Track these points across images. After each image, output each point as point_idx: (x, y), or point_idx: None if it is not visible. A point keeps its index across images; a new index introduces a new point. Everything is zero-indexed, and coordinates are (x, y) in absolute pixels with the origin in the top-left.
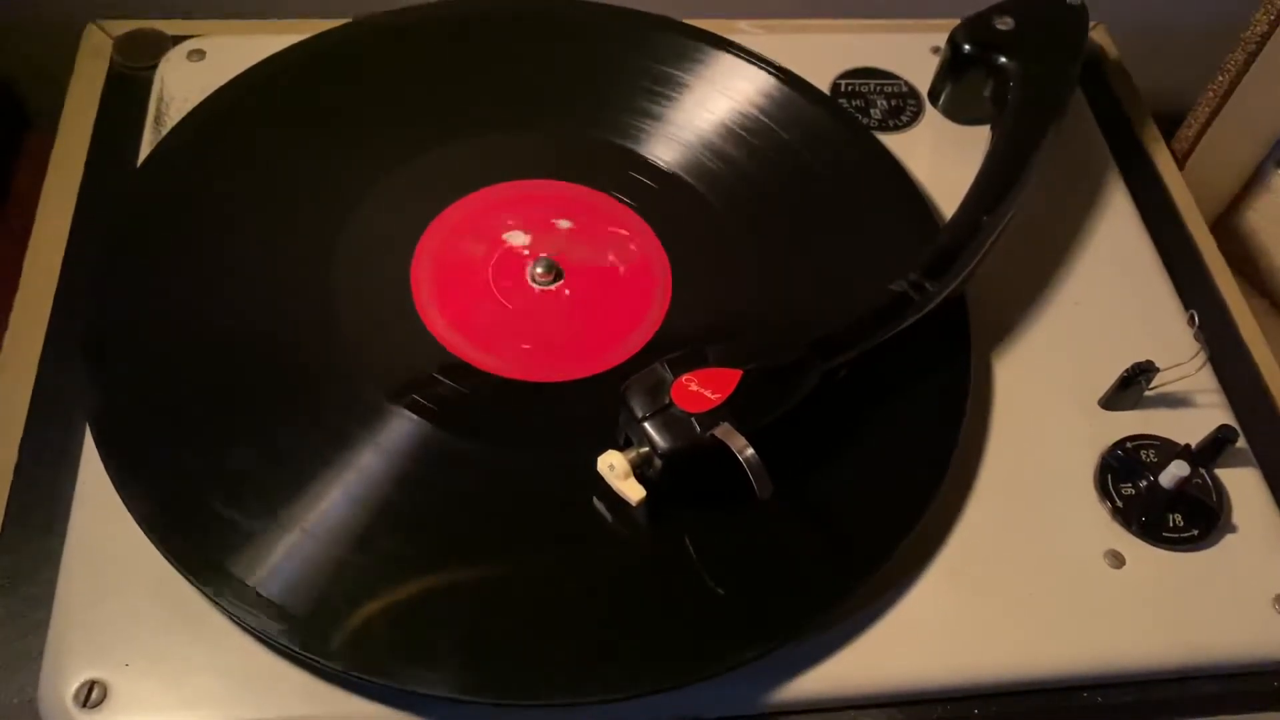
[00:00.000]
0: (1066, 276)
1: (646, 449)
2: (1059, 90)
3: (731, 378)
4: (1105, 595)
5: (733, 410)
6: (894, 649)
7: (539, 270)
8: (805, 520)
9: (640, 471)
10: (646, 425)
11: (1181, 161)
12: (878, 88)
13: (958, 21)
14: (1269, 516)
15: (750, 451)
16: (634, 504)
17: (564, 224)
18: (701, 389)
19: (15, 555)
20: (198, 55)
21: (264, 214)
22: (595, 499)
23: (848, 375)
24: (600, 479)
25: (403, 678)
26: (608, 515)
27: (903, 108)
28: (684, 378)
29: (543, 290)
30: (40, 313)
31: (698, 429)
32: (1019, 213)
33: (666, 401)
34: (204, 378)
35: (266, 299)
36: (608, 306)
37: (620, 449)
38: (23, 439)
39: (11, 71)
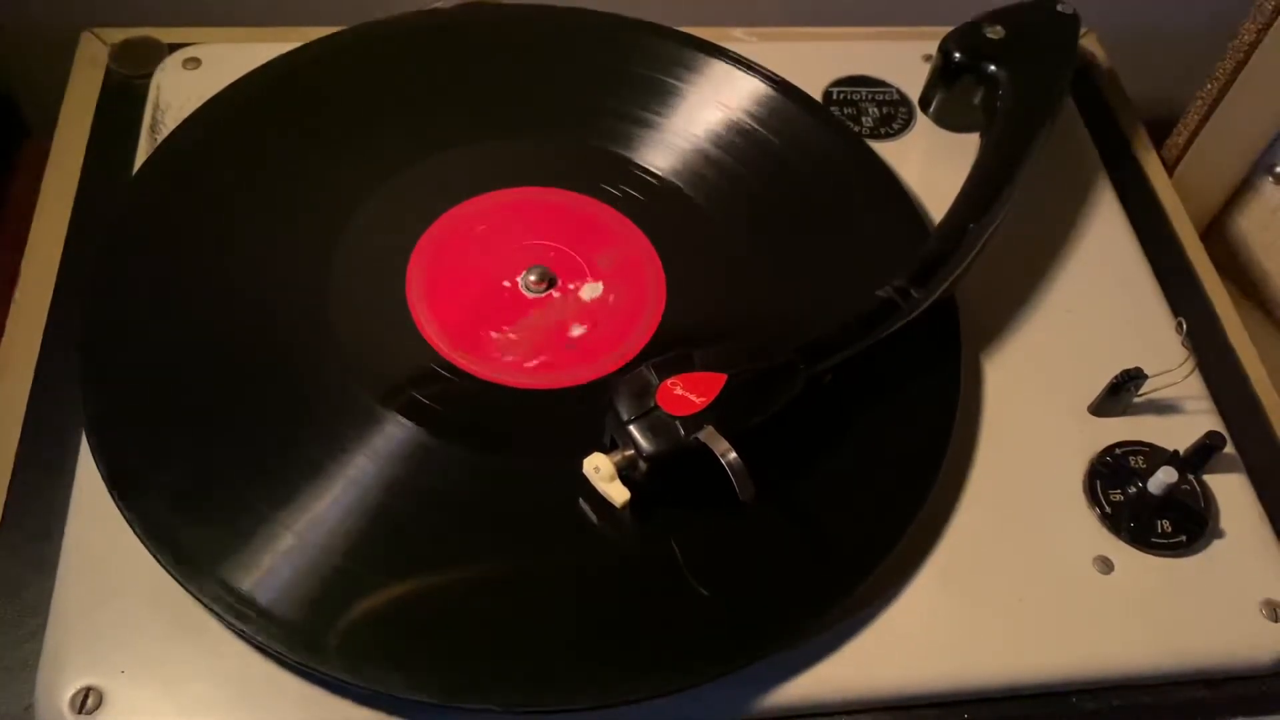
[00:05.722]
0: (1056, 283)
1: (631, 451)
2: (1049, 98)
3: (717, 382)
4: (1094, 601)
5: (717, 414)
6: (884, 654)
7: (532, 278)
8: (794, 524)
9: (625, 474)
10: (631, 428)
11: (1171, 168)
12: (869, 95)
13: (949, 30)
14: (1257, 522)
15: (733, 455)
16: (618, 506)
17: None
18: (686, 393)
19: (11, 561)
20: (193, 63)
21: (259, 221)
22: (580, 501)
23: (839, 379)
24: (585, 481)
25: (397, 684)
26: (593, 517)
27: (894, 115)
28: (669, 381)
29: (535, 298)
30: (37, 319)
31: (682, 432)
32: (1008, 220)
33: (652, 405)
34: (200, 384)
35: (261, 306)
36: (602, 313)
37: (606, 451)
38: (19, 445)
39: (8, 79)
